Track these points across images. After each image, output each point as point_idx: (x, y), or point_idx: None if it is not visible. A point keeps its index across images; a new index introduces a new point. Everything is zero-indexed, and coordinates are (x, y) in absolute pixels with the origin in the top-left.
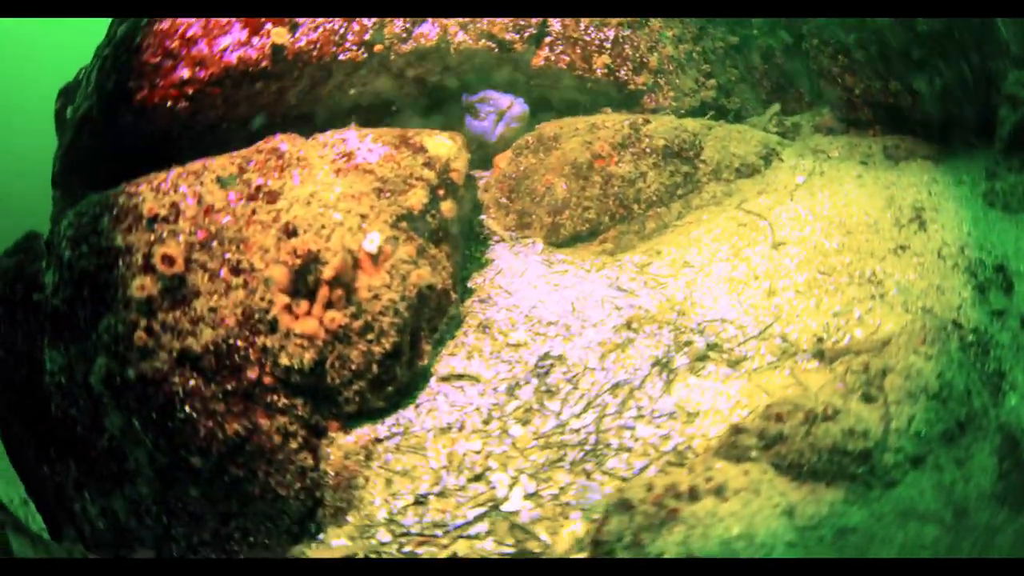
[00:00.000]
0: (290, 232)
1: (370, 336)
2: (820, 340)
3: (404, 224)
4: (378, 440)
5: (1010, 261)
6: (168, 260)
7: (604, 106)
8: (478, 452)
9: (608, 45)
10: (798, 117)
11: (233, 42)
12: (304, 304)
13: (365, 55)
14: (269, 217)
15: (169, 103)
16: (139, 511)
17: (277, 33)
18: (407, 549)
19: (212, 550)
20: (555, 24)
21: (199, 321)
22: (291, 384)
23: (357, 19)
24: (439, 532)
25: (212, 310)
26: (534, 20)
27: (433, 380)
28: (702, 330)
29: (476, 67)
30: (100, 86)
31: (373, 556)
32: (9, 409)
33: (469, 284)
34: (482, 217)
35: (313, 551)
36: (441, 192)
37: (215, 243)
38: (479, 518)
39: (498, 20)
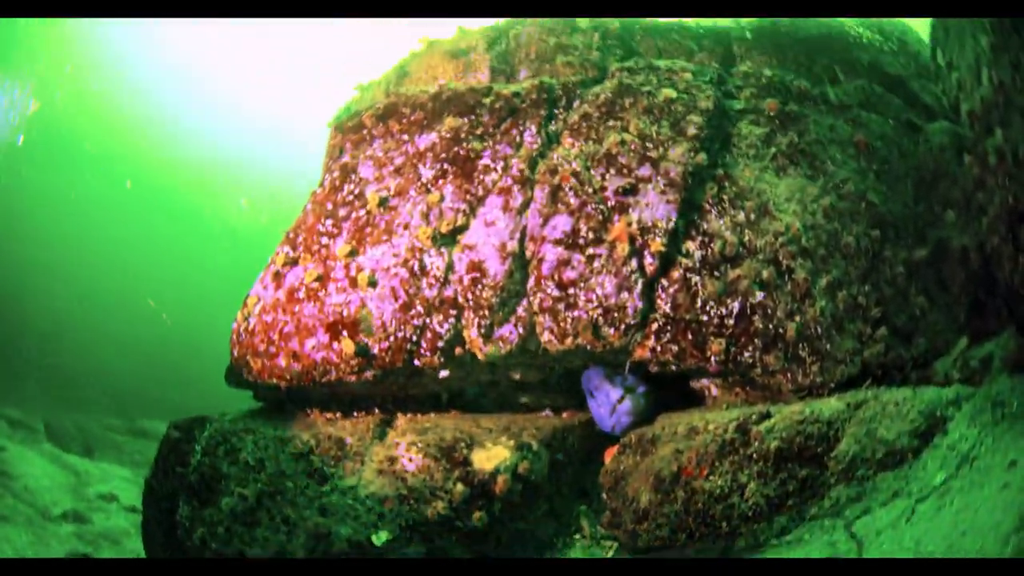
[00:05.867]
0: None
1: None
2: None
3: (423, 529)
4: None
5: None
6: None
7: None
8: None
9: (730, 323)
10: (993, 345)
11: (317, 343)
12: None
13: (441, 359)
14: (307, 500)
15: (274, 380)
16: None
17: (346, 343)
18: None
19: None
20: (664, 304)
21: None
22: None
23: (429, 328)
24: None
25: None
26: (629, 310)
27: None
28: None
29: (579, 359)
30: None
31: None
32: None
33: None
34: (583, 507)
35: None
36: (480, 503)
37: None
38: None
39: (583, 315)
